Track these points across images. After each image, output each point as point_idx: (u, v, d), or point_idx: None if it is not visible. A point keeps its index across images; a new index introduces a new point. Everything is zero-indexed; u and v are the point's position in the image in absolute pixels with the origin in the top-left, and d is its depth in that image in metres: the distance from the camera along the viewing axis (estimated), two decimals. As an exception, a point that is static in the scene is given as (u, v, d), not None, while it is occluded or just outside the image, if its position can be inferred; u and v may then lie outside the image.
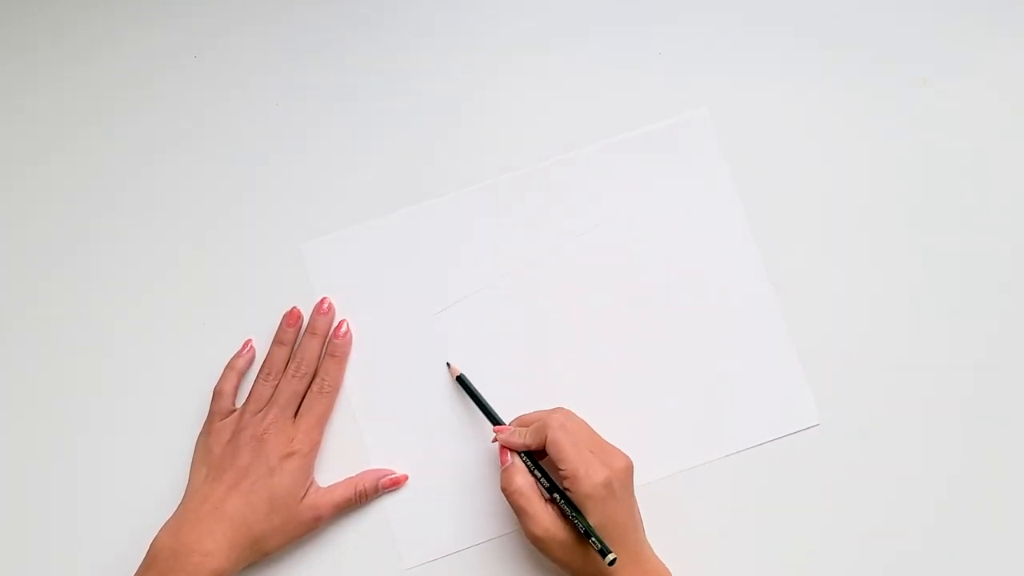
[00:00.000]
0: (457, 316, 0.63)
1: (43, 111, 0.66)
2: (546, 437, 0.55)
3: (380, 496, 0.61)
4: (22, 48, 0.67)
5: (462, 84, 0.65)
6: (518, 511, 0.55)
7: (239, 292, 0.63)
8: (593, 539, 0.53)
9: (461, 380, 0.61)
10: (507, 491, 0.56)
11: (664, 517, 0.56)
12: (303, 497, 0.59)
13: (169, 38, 0.66)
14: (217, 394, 0.61)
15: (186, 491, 0.59)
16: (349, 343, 0.62)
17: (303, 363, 0.61)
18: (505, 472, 0.56)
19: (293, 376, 0.60)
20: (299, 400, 0.60)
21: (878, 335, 0.62)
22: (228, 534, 0.56)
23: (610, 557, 0.52)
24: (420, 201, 0.64)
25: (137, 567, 0.56)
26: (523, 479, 0.56)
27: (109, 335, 0.63)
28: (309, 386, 0.61)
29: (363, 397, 0.62)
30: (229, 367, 0.62)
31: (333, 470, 0.61)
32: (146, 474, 0.61)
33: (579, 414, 0.59)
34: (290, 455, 0.58)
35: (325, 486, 0.60)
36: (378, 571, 0.61)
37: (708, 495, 0.60)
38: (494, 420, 0.60)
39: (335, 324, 0.62)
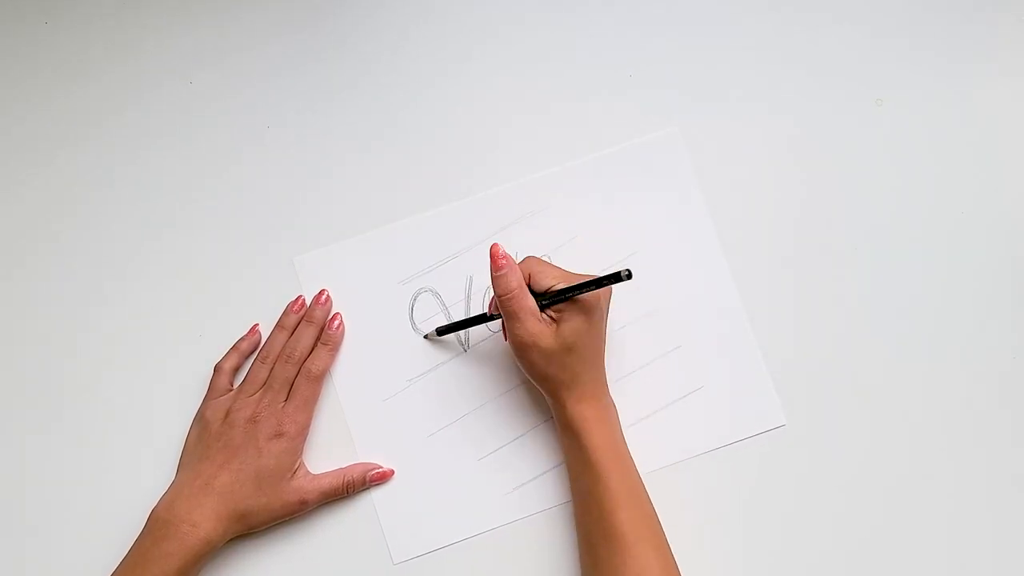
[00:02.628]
0: (442, 323, 0.64)
1: (46, 127, 0.67)
2: (529, 274, 0.57)
3: (367, 488, 0.62)
4: (21, 69, 0.68)
5: (442, 107, 0.67)
6: (509, 314, 0.56)
7: (238, 302, 0.65)
8: (603, 277, 0.54)
9: (441, 330, 0.62)
10: (502, 296, 0.56)
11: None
12: (291, 478, 0.60)
13: (165, 66, 0.68)
14: (217, 370, 0.62)
15: (180, 462, 0.61)
16: (342, 335, 0.64)
17: (296, 349, 0.62)
18: (501, 278, 0.56)
19: (286, 361, 0.61)
20: (291, 385, 0.62)
21: (840, 342, 0.63)
22: (215, 507, 0.58)
23: (624, 271, 0.53)
24: (405, 216, 0.65)
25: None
26: (517, 282, 0.56)
27: (110, 340, 0.64)
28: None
29: (352, 398, 0.63)
30: (234, 347, 0.63)
31: (323, 467, 0.62)
32: (141, 482, 0.62)
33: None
34: (278, 437, 0.60)
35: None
36: (368, 566, 0.61)
37: (683, 491, 0.61)
38: (488, 317, 0.61)
39: (330, 317, 0.64)
